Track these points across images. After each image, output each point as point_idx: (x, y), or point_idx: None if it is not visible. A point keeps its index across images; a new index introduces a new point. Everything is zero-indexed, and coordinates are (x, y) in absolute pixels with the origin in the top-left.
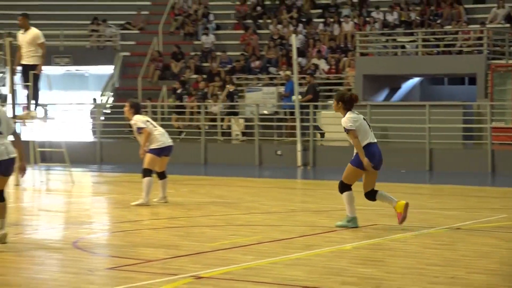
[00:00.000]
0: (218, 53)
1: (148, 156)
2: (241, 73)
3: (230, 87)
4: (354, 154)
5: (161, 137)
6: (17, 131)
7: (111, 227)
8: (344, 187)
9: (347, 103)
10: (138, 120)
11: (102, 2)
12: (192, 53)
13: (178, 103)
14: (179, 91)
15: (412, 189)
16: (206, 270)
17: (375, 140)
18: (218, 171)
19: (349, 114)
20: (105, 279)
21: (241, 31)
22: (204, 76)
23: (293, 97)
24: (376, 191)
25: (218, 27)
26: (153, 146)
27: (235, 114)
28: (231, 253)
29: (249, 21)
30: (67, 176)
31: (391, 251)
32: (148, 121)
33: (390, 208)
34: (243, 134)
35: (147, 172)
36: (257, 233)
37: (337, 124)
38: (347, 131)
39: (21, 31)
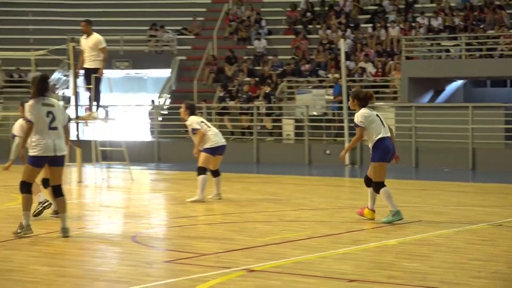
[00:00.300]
0: (270, 57)
1: (203, 155)
2: (292, 76)
3: (265, 88)
4: (371, 152)
5: (215, 137)
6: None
7: (167, 222)
8: (378, 186)
9: (362, 100)
10: (193, 121)
11: (160, 9)
12: (245, 57)
13: (222, 105)
14: (221, 94)
15: (456, 187)
16: (258, 264)
17: (388, 135)
18: (269, 170)
19: (362, 110)
20: (162, 271)
21: (292, 36)
22: (257, 79)
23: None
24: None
25: (269, 32)
26: (208, 146)
27: (268, 115)
28: (282, 247)
29: (300, 26)
30: (127, 173)
31: (435, 246)
32: (202, 121)
33: (435, 205)
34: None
35: (201, 170)
36: (307, 228)
37: None
38: (356, 126)
39: (84, 37)
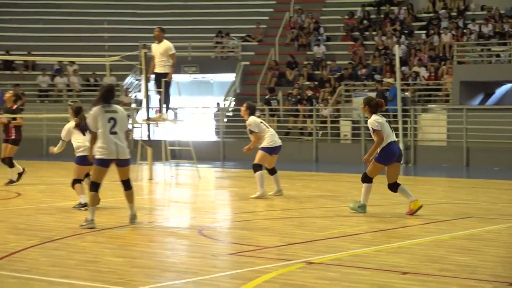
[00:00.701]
0: (328, 62)
1: (260, 153)
2: (349, 80)
3: (308, 92)
4: (379, 151)
5: (272, 137)
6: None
7: (232, 217)
8: (367, 180)
9: (373, 107)
10: (252, 123)
11: (225, 17)
12: (305, 62)
13: (266, 107)
14: (267, 97)
15: (506, 185)
16: (317, 257)
17: (395, 139)
18: (328, 168)
19: (374, 117)
20: (226, 263)
21: (349, 42)
22: (316, 82)
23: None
24: (399, 184)
25: (328, 39)
26: (265, 145)
27: (310, 116)
28: (340, 241)
29: (357, 33)
30: (194, 171)
31: (486, 241)
32: (261, 122)
33: (485, 202)
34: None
35: (257, 167)
36: (363, 223)
37: (435, 126)
38: (374, 130)
39: (155, 43)
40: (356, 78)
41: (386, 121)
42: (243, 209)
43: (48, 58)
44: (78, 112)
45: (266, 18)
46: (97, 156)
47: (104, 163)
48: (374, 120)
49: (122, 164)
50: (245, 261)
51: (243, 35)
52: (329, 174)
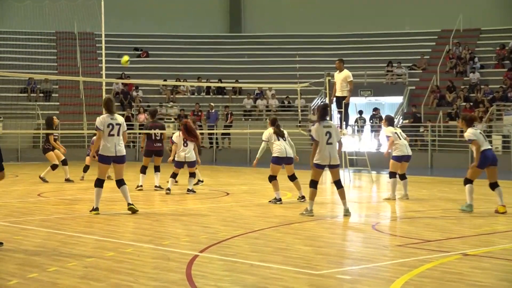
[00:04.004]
0: (482, 86)
1: (392, 162)
2: (500, 101)
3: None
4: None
5: (402, 147)
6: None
7: (400, 215)
8: (468, 181)
9: (468, 121)
10: (388, 131)
11: (395, 50)
12: (462, 87)
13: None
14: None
15: None
16: (472, 249)
17: (489, 147)
18: (482, 175)
19: (470, 130)
20: (395, 253)
21: (501, 70)
22: (471, 103)
23: None
24: (498, 185)
25: (482, 66)
26: (395, 154)
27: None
28: (492, 237)
29: (507, 61)
30: (368, 177)
31: None
32: (395, 132)
33: None
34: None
35: (392, 174)
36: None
37: None
38: (470, 141)
39: (337, 72)
40: (506, 99)
41: (479, 132)
42: (409, 208)
43: (251, 84)
44: (274, 123)
45: (429, 50)
46: (316, 162)
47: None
48: (470, 132)
49: (333, 166)
50: (410, 252)
51: (410, 64)
52: (483, 180)
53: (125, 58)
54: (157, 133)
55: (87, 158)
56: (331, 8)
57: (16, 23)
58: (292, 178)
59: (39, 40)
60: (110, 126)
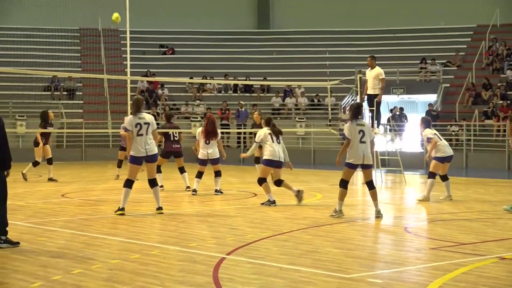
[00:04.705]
0: None
1: (434, 162)
2: None
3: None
4: None
5: (444, 148)
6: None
7: (433, 217)
8: None
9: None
10: (427, 133)
11: (428, 46)
12: (499, 84)
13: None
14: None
15: None
16: (508, 253)
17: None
18: None
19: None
20: (428, 256)
21: None
22: (508, 101)
23: None
24: None
25: None
26: (438, 155)
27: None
28: None
29: None
30: (400, 177)
31: None
32: (435, 133)
33: None
34: None
35: (431, 174)
36: None
37: None
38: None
39: (368, 69)
40: None
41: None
42: (443, 210)
43: (280, 82)
44: (268, 123)
45: (464, 46)
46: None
47: (352, 167)
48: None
49: (367, 166)
50: (444, 255)
51: (444, 61)
52: None
53: (115, 14)
54: (175, 132)
55: (120, 152)
56: (363, 3)
57: (40, 19)
58: (278, 183)
59: (63, 37)
60: (138, 126)
